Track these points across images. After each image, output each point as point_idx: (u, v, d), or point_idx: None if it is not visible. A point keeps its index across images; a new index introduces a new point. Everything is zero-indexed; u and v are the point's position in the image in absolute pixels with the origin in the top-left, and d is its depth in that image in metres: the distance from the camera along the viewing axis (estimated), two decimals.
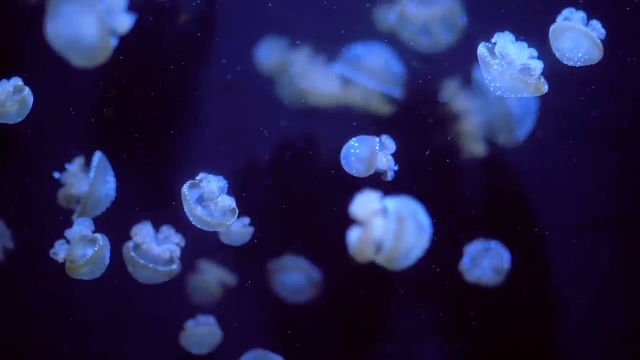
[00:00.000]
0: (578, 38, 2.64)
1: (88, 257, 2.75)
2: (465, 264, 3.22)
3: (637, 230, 3.31)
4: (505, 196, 3.42)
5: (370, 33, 3.29)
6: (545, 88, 2.62)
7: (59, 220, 3.16)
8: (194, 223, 2.79)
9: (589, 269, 3.36)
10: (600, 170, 3.32)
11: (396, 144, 3.24)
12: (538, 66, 2.62)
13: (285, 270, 3.40)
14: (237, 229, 3.09)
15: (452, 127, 3.31)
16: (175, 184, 3.19)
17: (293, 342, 3.50)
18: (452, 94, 3.28)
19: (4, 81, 2.73)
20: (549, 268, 3.37)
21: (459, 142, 3.32)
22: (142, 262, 2.88)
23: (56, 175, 3.02)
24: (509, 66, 2.62)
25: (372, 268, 3.38)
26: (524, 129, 3.20)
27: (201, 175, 2.77)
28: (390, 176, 2.86)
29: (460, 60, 3.24)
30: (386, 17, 3.27)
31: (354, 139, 2.85)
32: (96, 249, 2.76)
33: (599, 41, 2.64)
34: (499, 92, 2.66)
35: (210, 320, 3.25)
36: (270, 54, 3.33)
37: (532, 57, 2.63)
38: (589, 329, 3.37)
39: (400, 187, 3.32)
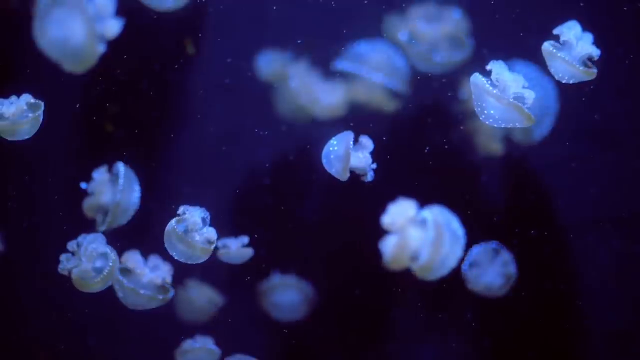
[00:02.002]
0: (560, 65, 2.65)
1: (103, 275, 2.79)
2: (470, 271, 3.22)
3: (637, 229, 3.32)
4: (505, 196, 3.41)
5: (372, 30, 3.28)
6: (534, 121, 2.63)
7: (58, 220, 3.23)
8: (176, 257, 2.80)
9: (588, 268, 3.36)
10: (600, 170, 3.32)
11: (399, 141, 3.25)
12: (531, 95, 2.62)
13: (278, 290, 3.40)
14: (235, 248, 3.11)
15: (468, 124, 3.30)
16: (175, 185, 3.17)
17: (291, 342, 3.49)
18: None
19: (13, 97, 2.72)
20: (548, 268, 3.37)
21: (474, 139, 3.31)
22: (133, 286, 2.88)
23: (83, 185, 3.01)
24: (504, 92, 2.61)
25: (370, 268, 3.39)
26: (542, 130, 3.19)
27: (182, 208, 2.77)
28: (370, 176, 2.84)
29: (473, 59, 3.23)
30: (396, 35, 3.28)
31: (334, 137, 2.85)
32: (110, 265, 2.79)
33: (579, 68, 2.63)
34: (490, 120, 2.65)
35: (208, 340, 3.25)
36: (270, 64, 3.32)
37: (524, 87, 2.63)
38: (587, 328, 3.37)
39: (399, 185, 3.33)
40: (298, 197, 3.42)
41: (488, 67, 2.63)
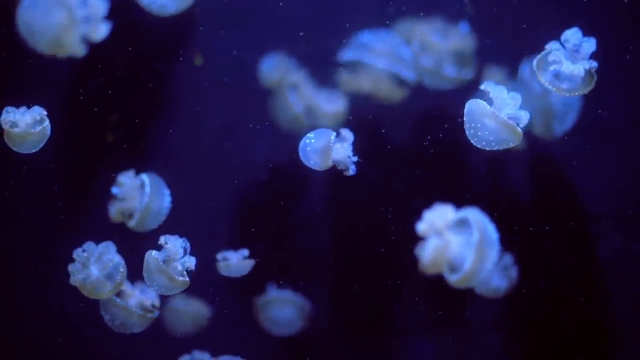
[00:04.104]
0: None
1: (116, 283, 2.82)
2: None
3: (638, 227, 3.32)
4: (505, 193, 3.40)
5: (376, 25, 3.26)
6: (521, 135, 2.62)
7: (56, 219, 3.24)
8: (153, 288, 2.81)
9: (589, 265, 3.35)
10: (601, 167, 3.32)
11: (403, 133, 3.22)
12: (525, 117, 2.61)
13: (274, 306, 3.39)
14: (236, 261, 3.13)
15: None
16: (174, 181, 3.13)
17: (289, 337, 3.47)
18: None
19: (23, 108, 2.73)
20: (548, 265, 3.36)
21: None
22: (124, 305, 2.91)
23: (114, 190, 3.03)
24: (499, 112, 2.60)
25: (370, 263, 3.37)
26: (565, 125, 3.18)
27: (164, 238, 2.77)
28: (351, 170, 2.82)
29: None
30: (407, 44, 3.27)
31: (312, 131, 2.85)
32: (118, 279, 2.81)
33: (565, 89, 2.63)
34: (483, 143, 2.65)
35: (206, 356, 3.26)
36: (273, 69, 3.31)
37: (519, 108, 2.63)
38: (587, 325, 3.37)
39: (397, 179, 3.31)
40: (298, 193, 3.41)
41: (482, 87, 2.64)
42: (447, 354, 3.49)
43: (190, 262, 2.78)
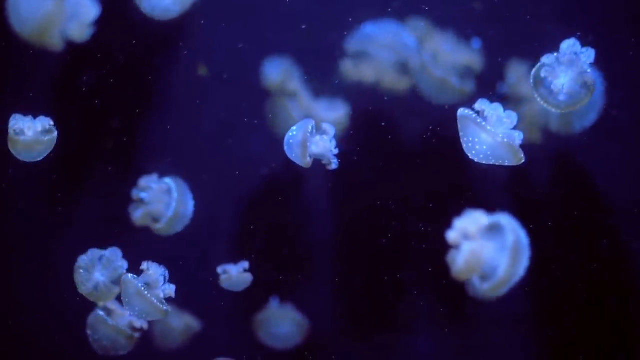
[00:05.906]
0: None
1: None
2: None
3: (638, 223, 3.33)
4: (506, 189, 3.39)
5: (379, 14, 3.26)
6: (523, 159, 2.62)
7: (54, 216, 3.25)
8: (132, 312, 2.82)
9: (591, 262, 3.35)
10: (604, 164, 3.31)
11: (404, 126, 3.21)
12: (520, 136, 2.60)
13: (273, 322, 3.40)
14: (237, 273, 3.13)
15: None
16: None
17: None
18: (519, 78, 3.22)
19: (29, 117, 2.72)
20: (550, 262, 3.36)
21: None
22: (114, 324, 2.92)
23: (142, 195, 3.03)
24: (495, 129, 2.59)
25: (369, 259, 3.36)
26: (585, 123, 3.16)
27: (146, 264, 2.78)
28: (334, 164, 2.81)
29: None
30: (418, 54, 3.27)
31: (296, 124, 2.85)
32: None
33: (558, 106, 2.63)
34: (481, 156, 2.64)
35: None
36: (274, 72, 3.30)
37: (514, 128, 2.62)
38: (589, 323, 3.38)
39: (397, 173, 3.30)
40: (298, 189, 3.41)
41: (477, 107, 2.61)
42: (447, 350, 3.48)
43: (170, 290, 2.78)
